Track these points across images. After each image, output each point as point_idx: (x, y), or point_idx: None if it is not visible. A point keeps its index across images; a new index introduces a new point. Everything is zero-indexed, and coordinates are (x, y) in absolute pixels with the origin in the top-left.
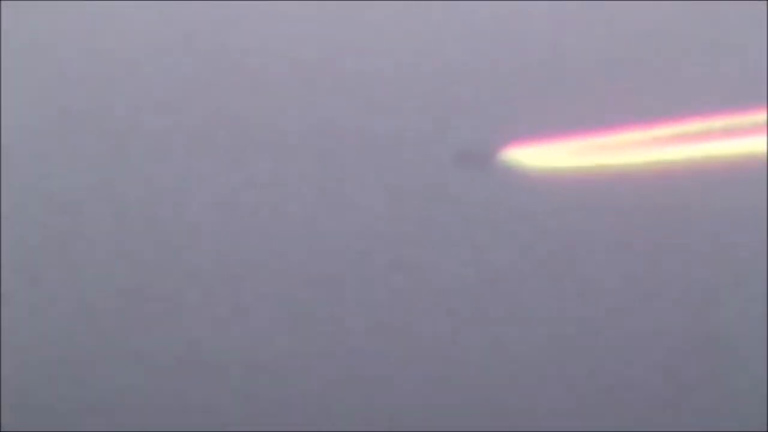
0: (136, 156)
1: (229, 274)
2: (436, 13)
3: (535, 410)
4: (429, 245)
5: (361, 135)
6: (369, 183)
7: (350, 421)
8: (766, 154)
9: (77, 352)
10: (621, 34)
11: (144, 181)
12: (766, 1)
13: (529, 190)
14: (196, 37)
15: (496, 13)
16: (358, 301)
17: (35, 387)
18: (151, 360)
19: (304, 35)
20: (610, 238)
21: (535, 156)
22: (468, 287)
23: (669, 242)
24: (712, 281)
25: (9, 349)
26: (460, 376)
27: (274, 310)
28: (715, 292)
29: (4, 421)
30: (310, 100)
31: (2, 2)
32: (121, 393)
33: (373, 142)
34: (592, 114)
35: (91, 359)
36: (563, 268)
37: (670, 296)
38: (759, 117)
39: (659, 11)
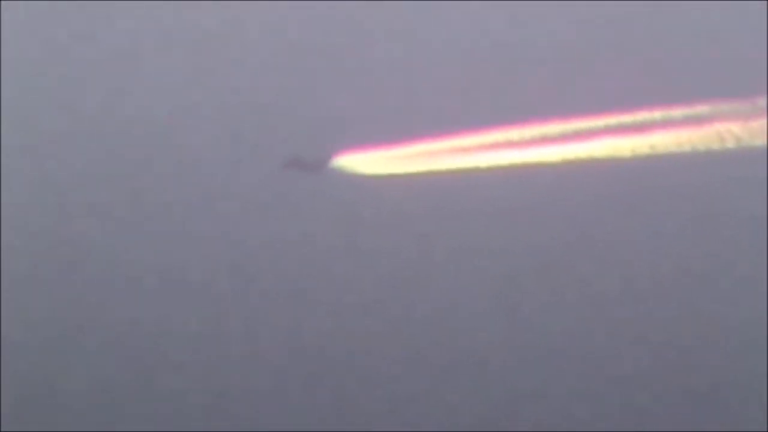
0: (134, 153)
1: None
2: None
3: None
4: (263, 246)
5: (190, 142)
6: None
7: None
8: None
9: (75, 351)
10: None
11: (141, 177)
12: (766, 1)
13: (357, 196)
14: (192, 38)
15: (335, 21)
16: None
17: (35, 387)
18: (150, 360)
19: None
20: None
21: (365, 162)
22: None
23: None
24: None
25: (9, 349)
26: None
27: None
28: (715, 291)
29: (4, 421)
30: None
31: (2, 2)
32: (119, 393)
33: (204, 150)
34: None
35: (89, 359)
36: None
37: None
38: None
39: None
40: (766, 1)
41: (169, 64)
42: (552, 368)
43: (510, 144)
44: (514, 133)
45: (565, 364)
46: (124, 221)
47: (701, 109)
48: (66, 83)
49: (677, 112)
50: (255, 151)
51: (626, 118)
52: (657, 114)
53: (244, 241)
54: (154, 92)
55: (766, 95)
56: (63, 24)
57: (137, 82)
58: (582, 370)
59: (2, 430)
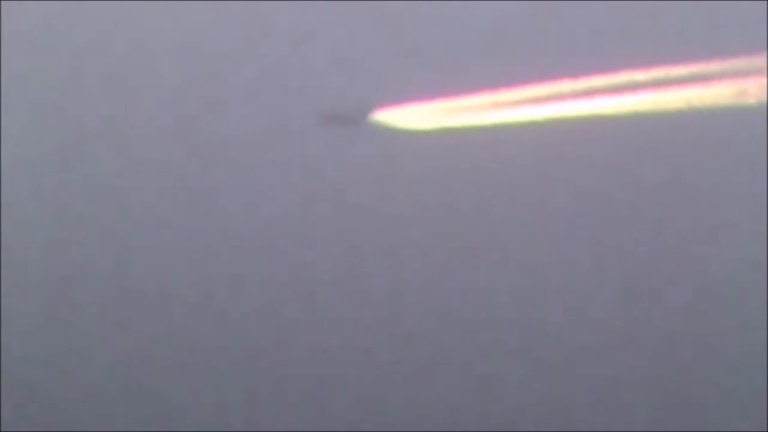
0: (133, 155)
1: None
2: None
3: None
4: (302, 204)
5: (234, 97)
6: (243, 148)
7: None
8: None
9: (74, 353)
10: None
11: (141, 178)
12: (766, 1)
13: (396, 151)
14: (193, 41)
15: None
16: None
17: (34, 389)
18: (149, 361)
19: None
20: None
21: (403, 117)
22: (337, 248)
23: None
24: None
25: (9, 351)
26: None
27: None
28: (715, 293)
29: (4, 422)
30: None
31: (2, 2)
32: (118, 392)
33: (245, 105)
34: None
35: (88, 361)
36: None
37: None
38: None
39: None
40: (766, 1)
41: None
42: (550, 369)
43: (551, 98)
44: (555, 87)
45: (564, 365)
46: (126, 216)
47: (737, 63)
48: (66, 84)
49: (714, 66)
50: (292, 106)
51: (666, 72)
52: (694, 69)
53: (277, 197)
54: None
55: None
56: (63, 24)
57: (139, 80)
58: (581, 371)
59: (2, 430)
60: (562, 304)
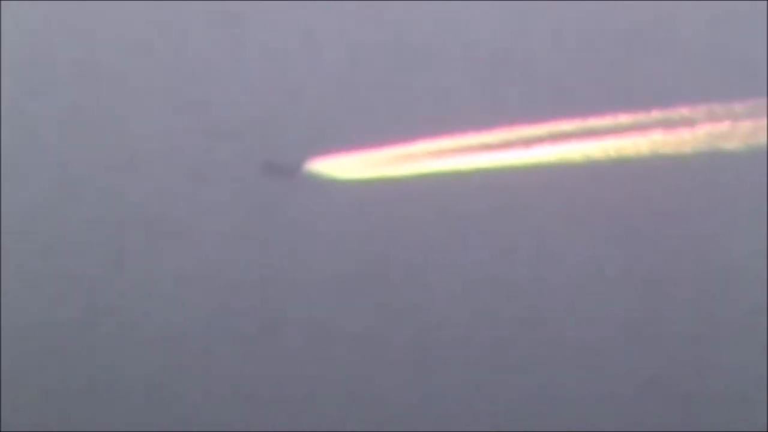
0: (132, 153)
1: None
2: (239, 30)
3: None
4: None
5: (169, 145)
6: (180, 193)
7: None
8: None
9: (76, 353)
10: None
11: (140, 178)
12: (766, 1)
13: (331, 200)
14: (193, 37)
15: (303, 31)
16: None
17: (35, 388)
18: (149, 361)
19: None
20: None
21: (339, 167)
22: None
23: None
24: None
25: (9, 349)
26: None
27: None
28: (715, 291)
29: (4, 422)
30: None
31: (2, 2)
32: (119, 392)
33: (183, 153)
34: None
35: (87, 362)
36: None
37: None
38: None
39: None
40: (766, 1)
41: (149, 75)
42: (551, 369)
43: (486, 147)
44: (489, 136)
45: (565, 364)
46: (113, 220)
47: (702, 110)
48: (65, 85)
49: (675, 113)
50: (232, 155)
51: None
52: (657, 115)
53: (217, 243)
54: (137, 101)
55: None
56: (63, 24)
57: (124, 89)
58: (582, 371)
59: (2, 430)
60: (558, 303)
